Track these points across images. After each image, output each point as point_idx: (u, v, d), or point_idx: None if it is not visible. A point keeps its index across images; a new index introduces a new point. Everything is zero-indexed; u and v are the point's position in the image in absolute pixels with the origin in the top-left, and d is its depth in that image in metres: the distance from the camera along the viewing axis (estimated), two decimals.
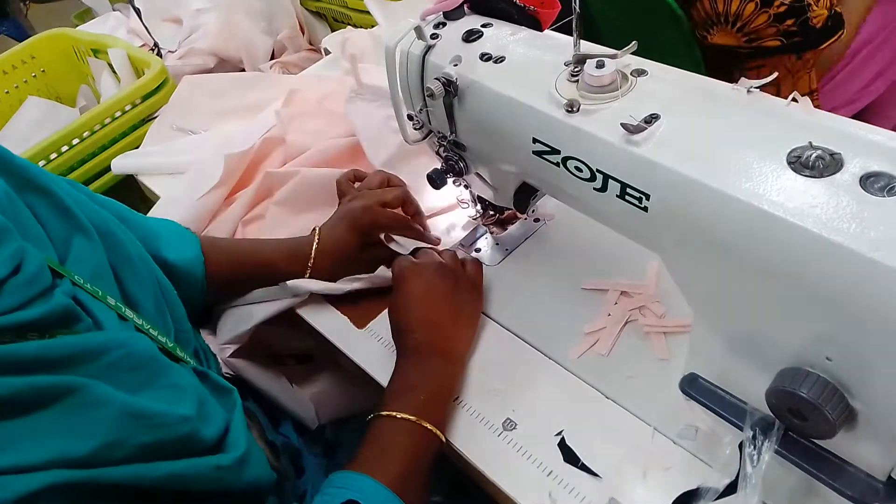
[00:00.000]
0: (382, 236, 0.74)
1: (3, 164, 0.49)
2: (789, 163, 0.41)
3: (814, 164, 0.41)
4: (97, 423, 0.40)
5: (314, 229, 0.73)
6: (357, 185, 0.77)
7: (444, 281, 0.65)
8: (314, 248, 0.71)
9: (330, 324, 0.72)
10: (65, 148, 0.98)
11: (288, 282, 0.70)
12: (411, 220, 0.75)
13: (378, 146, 0.83)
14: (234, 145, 0.90)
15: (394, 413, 0.56)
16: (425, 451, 0.57)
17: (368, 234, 0.72)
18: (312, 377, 0.81)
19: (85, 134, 1.00)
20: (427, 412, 0.57)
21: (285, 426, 0.78)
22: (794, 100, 0.52)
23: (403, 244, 0.74)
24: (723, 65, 1.18)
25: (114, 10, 1.53)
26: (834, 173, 0.40)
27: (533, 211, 0.68)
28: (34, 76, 1.26)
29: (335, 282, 0.72)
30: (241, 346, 0.73)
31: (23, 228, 0.46)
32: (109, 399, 0.41)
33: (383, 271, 0.72)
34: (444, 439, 0.58)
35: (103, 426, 0.40)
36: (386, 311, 0.70)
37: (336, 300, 0.73)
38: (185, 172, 0.91)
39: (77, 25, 1.66)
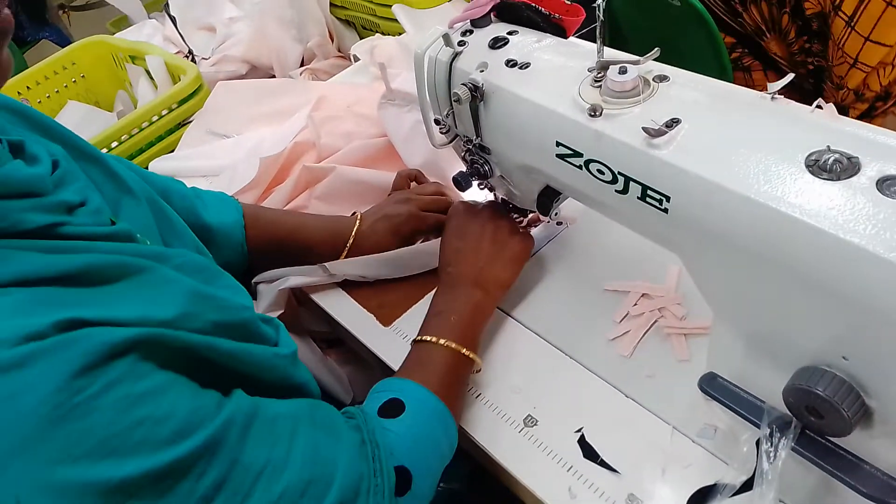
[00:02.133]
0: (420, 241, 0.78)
1: (58, 136, 0.56)
2: (807, 166, 0.42)
3: (832, 167, 0.42)
4: (173, 296, 0.46)
5: (355, 214, 0.78)
6: (413, 185, 0.83)
7: (488, 222, 0.70)
8: (353, 232, 0.76)
9: (355, 321, 0.74)
10: (104, 150, 1.02)
11: (327, 264, 0.75)
12: None
13: (411, 150, 0.86)
14: (266, 148, 0.93)
15: (431, 338, 0.61)
16: (461, 368, 0.61)
17: (408, 240, 0.77)
18: (343, 358, 0.84)
19: (123, 137, 1.04)
20: (456, 332, 0.62)
21: None
22: (818, 107, 0.53)
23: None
24: None
25: (150, 18, 1.58)
26: (851, 176, 0.41)
27: (556, 214, 0.70)
28: (74, 81, 1.30)
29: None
30: (280, 316, 0.75)
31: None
32: (181, 279, 0.47)
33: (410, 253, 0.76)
34: (478, 361, 0.63)
35: (178, 299, 0.46)
36: (410, 310, 0.73)
37: (362, 298, 0.75)
38: (220, 175, 0.94)
39: (113, 33, 1.71)
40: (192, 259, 0.52)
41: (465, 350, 0.61)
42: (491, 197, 0.77)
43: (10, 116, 0.54)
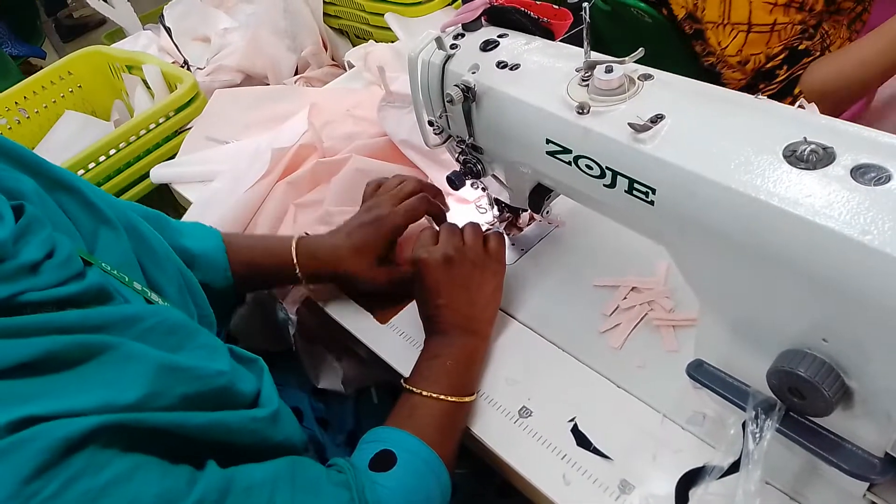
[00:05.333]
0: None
1: (32, 167, 0.53)
2: (785, 156, 0.44)
3: (808, 157, 0.44)
4: (137, 375, 0.43)
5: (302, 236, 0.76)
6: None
7: (461, 268, 0.67)
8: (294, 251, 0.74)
9: (353, 319, 0.75)
10: (102, 158, 1.03)
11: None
12: (432, 199, 0.76)
13: (411, 150, 0.88)
14: (266, 152, 0.95)
15: (423, 392, 0.60)
16: (452, 416, 0.61)
17: (395, 236, 0.74)
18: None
19: (121, 145, 1.05)
20: (452, 378, 0.62)
21: (308, 421, 0.82)
22: (800, 106, 0.55)
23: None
24: None
25: (144, 29, 1.60)
26: (827, 165, 0.43)
27: (547, 212, 0.71)
28: (71, 91, 1.32)
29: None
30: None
31: (53, 222, 0.50)
32: (146, 355, 0.44)
33: None
34: (471, 400, 0.63)
35: (143, 378, 0.43)
36: (407, 308, 0.75)
37: (359, 297, 0.77)
38: (223, 175, 0.96)
39: (108, 45, 1.73)
40: (165, 319, 0.49)
41: (458, 398, 0.61)
42: (483, 199, 0.79)
43: None
